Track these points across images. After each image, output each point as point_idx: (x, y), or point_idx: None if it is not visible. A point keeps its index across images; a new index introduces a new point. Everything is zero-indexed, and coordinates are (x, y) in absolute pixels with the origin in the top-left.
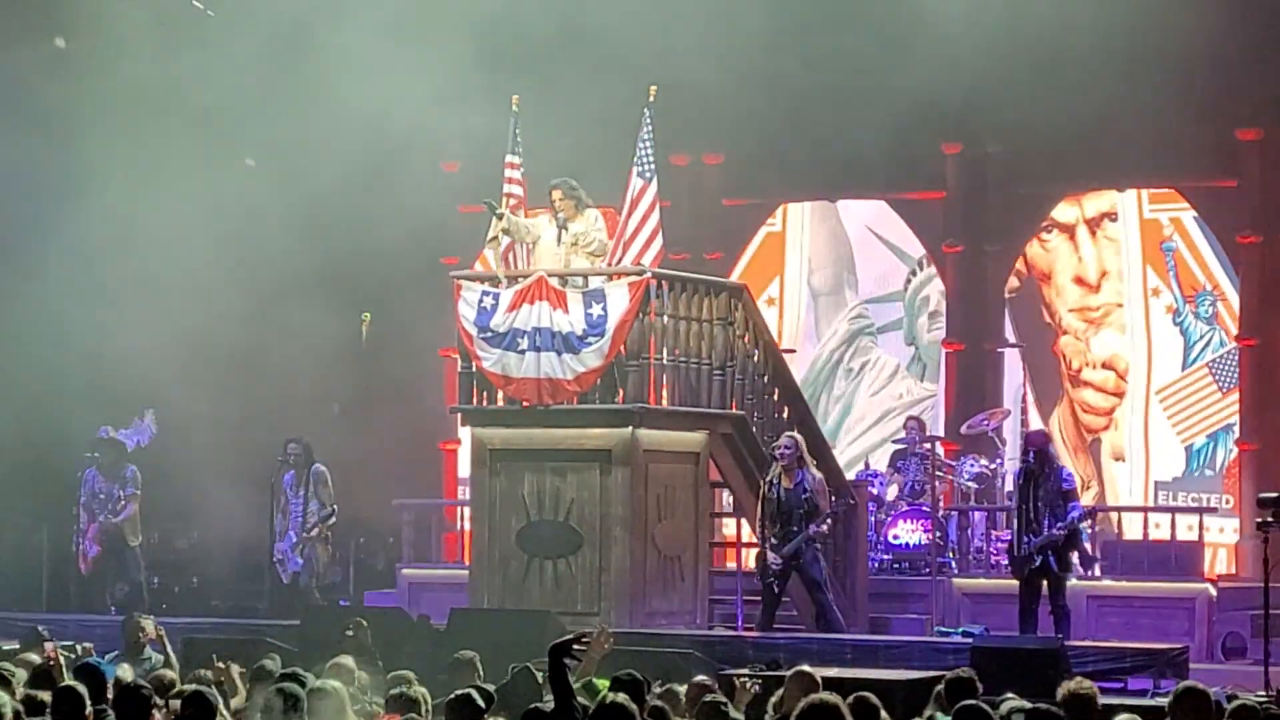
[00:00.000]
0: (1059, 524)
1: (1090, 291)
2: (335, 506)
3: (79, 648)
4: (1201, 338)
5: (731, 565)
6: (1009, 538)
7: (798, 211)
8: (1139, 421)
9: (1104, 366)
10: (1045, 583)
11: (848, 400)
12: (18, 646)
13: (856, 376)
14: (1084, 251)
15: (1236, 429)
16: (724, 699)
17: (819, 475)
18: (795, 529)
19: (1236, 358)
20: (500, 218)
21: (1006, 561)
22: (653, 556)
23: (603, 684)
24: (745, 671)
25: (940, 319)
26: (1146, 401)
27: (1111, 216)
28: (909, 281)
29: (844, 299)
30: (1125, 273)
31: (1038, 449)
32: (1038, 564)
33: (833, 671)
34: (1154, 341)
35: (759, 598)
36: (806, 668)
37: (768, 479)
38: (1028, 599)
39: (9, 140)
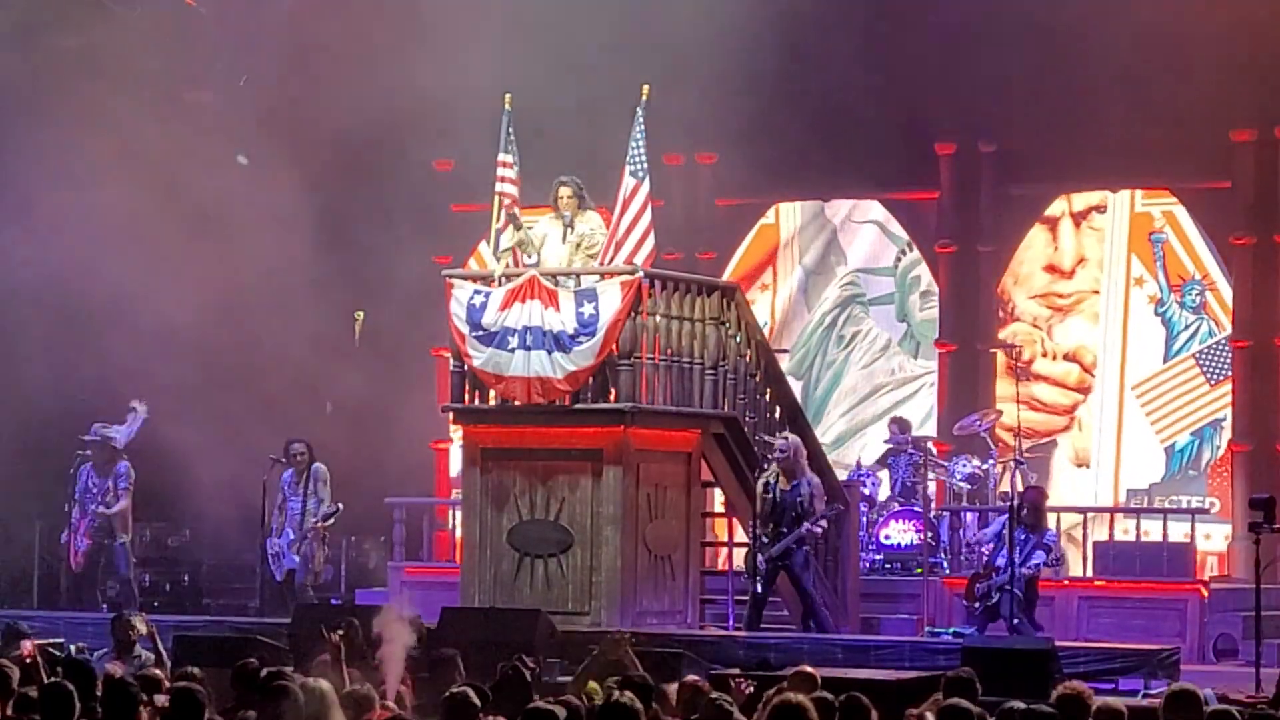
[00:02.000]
0: (1023, 566)
1: (1062, 278)
2: (340, 505)
3: (71, 648)
4: (1187, 328)
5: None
6: (973, 572)
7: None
8: (1111, 422)
9: (1066, 358)
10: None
11: (839, 368)
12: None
13: (848, 345)
14: (1063, 241)
15: (1227, 424)
16: (728, 699)
17: (816, 479)
18: (785, 530)
19: (1227, 348)
20: (519, 229)
21: (964, 597)
22: (644, 556)
23: (592, 687)
24: (736, 671)
25: (932, 298)
26: (1120, 400)
27: (1100, 209)
28: (899, 259)
29: (834, 273)
30: (1107, 260)
31: (1033, 505)
32: (994, 601)
33: (824, 672)
34: (1130, 332)
35: (749, 597)
36: (808, 668)
37: (763, 479)
38: (982, 626)
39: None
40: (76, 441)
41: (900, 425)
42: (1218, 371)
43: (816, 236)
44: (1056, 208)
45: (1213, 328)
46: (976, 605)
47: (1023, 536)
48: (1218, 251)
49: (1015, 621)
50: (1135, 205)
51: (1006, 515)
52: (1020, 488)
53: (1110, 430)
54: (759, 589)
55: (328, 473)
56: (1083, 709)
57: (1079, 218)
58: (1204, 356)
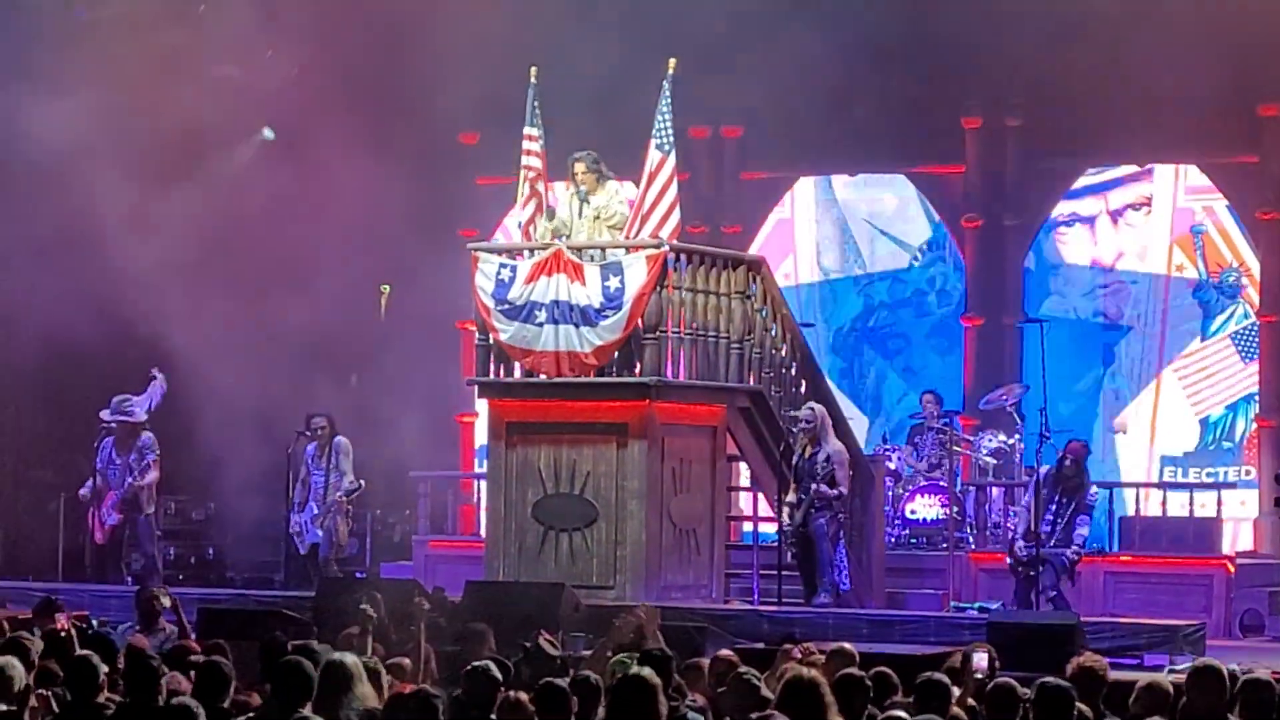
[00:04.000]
0: (1069, 549)
1: (1104, 269)
2: (362, 481)
3: (94, 623)
4: (1224, 310)
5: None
6: (1013, 534)
7: (805, 200)
8: (1149, 395)
9: None
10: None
11: (880, 369)
12: (30, 616)
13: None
14: (1101, 236)
15: (1259, 398)
16: (756, 673)
17: (840, 447)
18: (804, 496)
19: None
20: (552, 219)
21: (1008, 559)
22: (669, 530)
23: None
24: (760, 645)
25: (950, 296)
26: (1158, 374)
27: (1136, 206)
28: (912, 265)
29: (854, 275)
30: (1147, 247)
31: (1075, 458)
32: (1037, 571)
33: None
34: (1170, 310)
35: (774, 571)
36: (847, 645)
37: (795, 449)
38: (1025, 592)
39: (31, 99)
40: (98, 416)
41: (935, 398)
42: (1251, 351)
43: (836, 238)
44: (1094, 207)
45: (1248, 309)
46: (1019, 569)
47: (1063, 500)
48: (1244, 225)
49: (1053, 595)
50: (1177, 200)
51: (1045, 479)
52: (1043, 466)
53: (1147, 404)
54: (797, 556)
55: (349, 446)
56: (1098, 682)
57: (1115, 215)
58: (1239, 336)
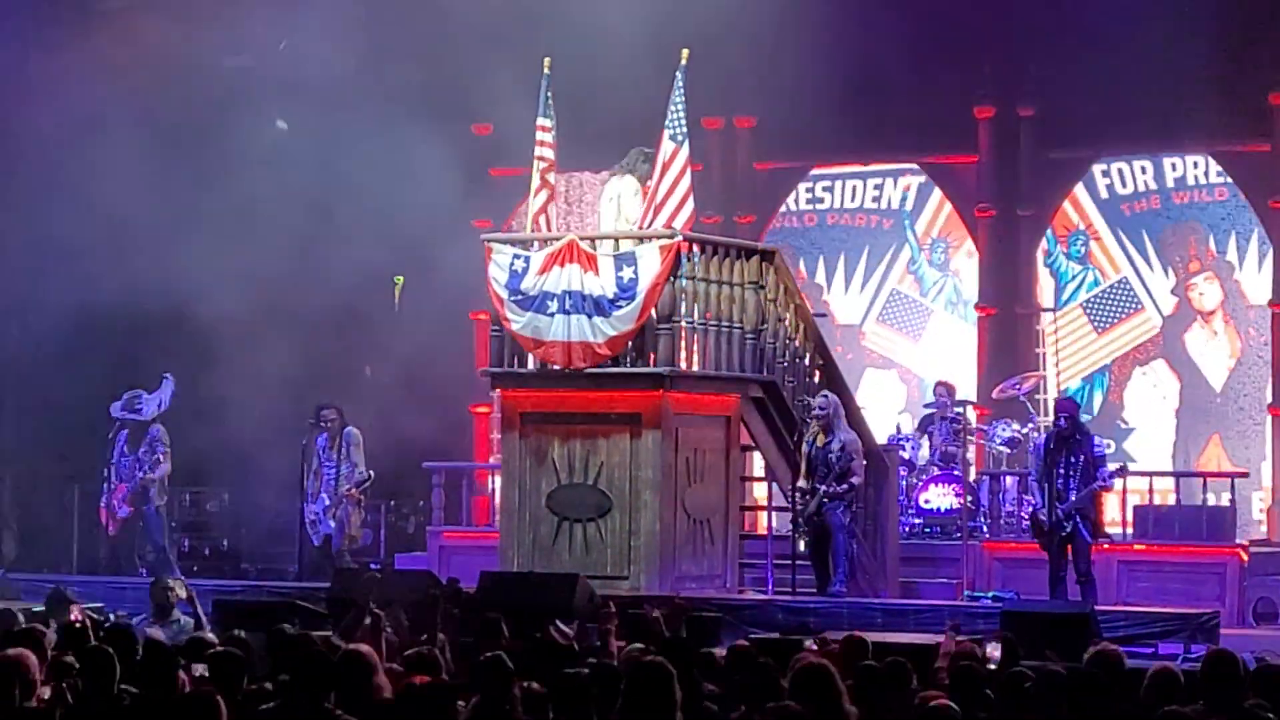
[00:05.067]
0: (1090, 485)
1: None
2: (372, 472)
3: (112, 615)
4: (1074, 278)
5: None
6: (1033, 505)
7: None
8: None
9: None
10: (1071, 549)
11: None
12: (43, 608)
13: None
14: None
15: (1109, 374)
16: (772, 662)
17: (852, 435)
18: (818, 486)
19: (1114, 297)
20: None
21: (1030, 530)
22: (682, 520)
23: None
24: (776, 635)
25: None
26: None
27: None
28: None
29: None
30: None
31: (1068, 415)
32: (1067, 530)
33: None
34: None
35: (788, 561)
36: (861, 634)
37: (807, 437)
38: (1057, 566)
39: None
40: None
41: (946, 389)
42: (1104, 320)
43: None
44: None
45: (1098, 277)
46: (1054, 538)
47: (1071, 460)
48: (1256, 214)
49: (1083, 581)
50: None
51: (1047, 444)
52: (1040, 437)
53: None
54: (809, 547)
55: (359, 436)
56: (1115, 671)
57: None
58: (1090, 305)
